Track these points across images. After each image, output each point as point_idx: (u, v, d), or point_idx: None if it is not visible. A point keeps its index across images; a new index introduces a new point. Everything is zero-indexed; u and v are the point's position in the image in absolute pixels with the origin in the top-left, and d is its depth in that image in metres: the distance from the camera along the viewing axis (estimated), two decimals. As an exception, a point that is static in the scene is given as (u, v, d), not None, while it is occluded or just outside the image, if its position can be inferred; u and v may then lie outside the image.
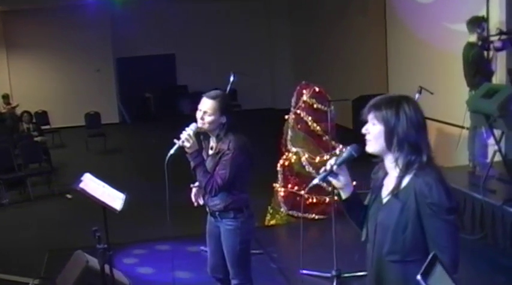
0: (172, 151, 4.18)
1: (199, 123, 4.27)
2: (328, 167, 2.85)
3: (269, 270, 6.21)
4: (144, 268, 6.39)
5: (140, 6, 15.62)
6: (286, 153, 7.92)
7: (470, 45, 7.74)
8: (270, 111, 16.51)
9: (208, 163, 4.31)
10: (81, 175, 4.85)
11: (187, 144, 4.17)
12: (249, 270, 4.60)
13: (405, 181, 2.75)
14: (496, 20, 8.08)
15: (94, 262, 5.41)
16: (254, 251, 6.53)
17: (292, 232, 7.61)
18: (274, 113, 13.65)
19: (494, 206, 6.52)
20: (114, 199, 4.66)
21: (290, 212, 7.75)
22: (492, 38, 7.77)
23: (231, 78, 6.63)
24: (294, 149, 7.73)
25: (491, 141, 7.35)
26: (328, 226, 7.68)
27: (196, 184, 4.50)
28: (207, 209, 4.55)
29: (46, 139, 13.30)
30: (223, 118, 4.24)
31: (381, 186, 2.90)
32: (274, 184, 7.97)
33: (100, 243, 3.88)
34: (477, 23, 7.70)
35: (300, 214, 7.67)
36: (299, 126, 7.83)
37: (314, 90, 7.73)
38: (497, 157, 7.06)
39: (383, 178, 2.90)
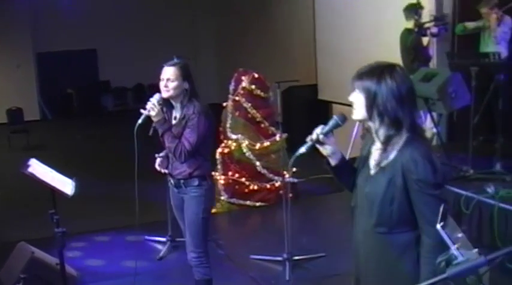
0: (140, 121, 4.30)
1: (164, 92, 4.34)
2: (314, 136, 2.82)
3: (217, 256, 6.10)
4: (90, 260, 6.17)
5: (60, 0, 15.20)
6: (226, 141, 7.83)
7: (407, 31, 7.89)
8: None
9: (175, 130, 4.35)
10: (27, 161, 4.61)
11: (153, 113, 4.27)
12: (207, 245, 4.58)
13: (392, 154, 2.73)
14: (427, 6, 8.24)
15: (39, 253, 5.19)
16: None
17: (235, 219, 7.58)
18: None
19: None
20: (64, 184, 4.44)
21: (231, 200, 7.67)
22: (428, 24, 7.92)
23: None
24: (233, 137, 7.66)
25: (428, 124, 7.49)
26: (271, 212, 7.75)
27: (161, 154, 4.57)
28: (170, 182, 4.58)
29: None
30: (186, 84, 4.35)
31: (368, 153, 2.89)
32: (213, 173, 7.85)
33: (58, 227, 3.69)
34: (414, 9, 7.86)
35: (241, 202, 7.65)
36: (238, 113, 7.75)
37: (253, 76, 7.68)
38: (435, 141, 7.23)
39: (370, 145, 2.89)
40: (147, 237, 6.61)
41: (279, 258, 5.74)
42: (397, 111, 2.65)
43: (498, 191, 5.91)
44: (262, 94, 7.70)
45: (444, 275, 1.85)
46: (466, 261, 1.88)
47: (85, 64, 17.09)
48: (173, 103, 4.42)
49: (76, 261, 5.98)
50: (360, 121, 2.84)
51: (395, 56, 8.08)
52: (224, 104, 7.94)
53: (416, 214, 2.70)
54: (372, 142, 2.86)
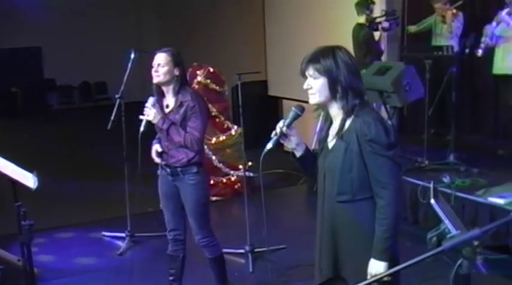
0: (142, 128, 4.45)
1: (154, 77, 4.43)
2: (278, 130, 2.94)
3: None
4: (46, 256, 6.05)
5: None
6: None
7: (359, 26, 8.00)
8: (141, 104, 16.10)
9: (173, 117, 4.42)
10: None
11: (150, 117, 4.39)
12: (210, 223, 4.74)
13: (347, 123, 2.85)
14: (378, 2, 8.37)
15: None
16: (159, 234, 6.43)
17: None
18: (144, 106, 13.43)
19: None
20: (26, 177, 4.34)
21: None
22: (379, 19, 8.05)
23: (132, 55, 6.36)
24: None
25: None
26: (227, 206, 7.76)
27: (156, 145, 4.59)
28: (165, 171, 4.60)
29: None
30: (177, 70, 4.42)
31: (326, 136, 3.00)
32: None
33: (25, 219, 3.60)
34: (365, 4, 7.98)
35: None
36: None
37: (208, 70, 7.68)
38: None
39: (328, 128, 3.00)
40: (105, 233, 6.52)
41: (241, 251, 5.76)
42: (357, 82, 2.85)
43: (454, 181, 6.07)
44: (217, 88, 7.70)
45: (440, 248, 1.88)
46: (460, 234, 1.92)
47: (29, 62, 16.68)
48: (164, 90, 4.50)
49: (35, 258, 5.85)
50: (318, 104, 2.94)
51: (351, 50, 8.18)
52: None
53: (370, 177, 2.81)
54: (330, 125, 2.98)
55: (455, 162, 6.73)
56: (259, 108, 10.99)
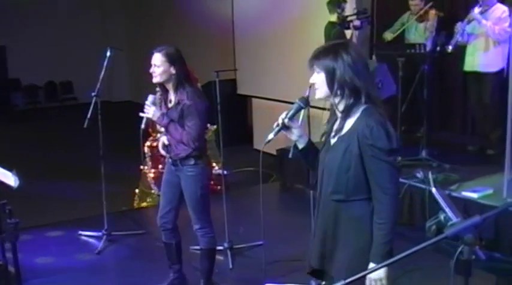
0: (142, 126, 4.76)
1: (153, 77, 4.58)
2: (280, 121, 2.97)
3: (156, 248, 6.05)
4: (26, 256, 5.88)
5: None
6: (154, 134, 7.76)
7: (331, 25, 8.07)
8: (106, 104, 15.94)
9: (171, 114, 4.60)
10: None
11: (149, 115, 4.61)
12: (209, 215, 4.91)
13: (350, 123, 2.87)
14: (349, 0, 8.45)
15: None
16: (137, 232, 6.45)
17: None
18: (110, 106, 13.33)
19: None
20: (7, 176, 4.30)
21: (163, 193, 7.63)
22: (350, 18, 8.13)
23: (108, 53, 6.33)
24: (163, 129, 7.57)
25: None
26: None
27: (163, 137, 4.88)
28: (169, 160, 4.83)
29: None
30: (173, 69, 4.55)
31: (330, 131, 3.01)
32: (141, 167, 7.80)
33: (11, 217, 3.57)
34: (337, 3, 8.06)
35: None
36: (167, 106, 7.71)
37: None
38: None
39: (333, 124, 3.00)
40: (81, 232, 6.47)
41: (220, 248, 5.76)
42: (355, 81, 2.82)
43: (427, 176, 6.17)
44: (191, 86, 7.68)
45: (443, 235, 1.93)
46: (461, 221, 1.97)
47: (-7, 62, 16.44)
48: (166, 87, 4.67)
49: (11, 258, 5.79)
50: (323, 99, 2.96)
51: None
52: (154, 97, 7.85)
53: (370, 180, 2.82)
54: (335, 120, 2.98)
55: (427, 158, 6.86)
56: (229, 106, 11.00)
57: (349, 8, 8.32)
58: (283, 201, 8.11)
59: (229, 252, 5.71)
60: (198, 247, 5.76)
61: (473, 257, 1.98)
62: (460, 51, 7.26)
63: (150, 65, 4.62)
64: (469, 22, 6.97)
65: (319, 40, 8.25)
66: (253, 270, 5.47)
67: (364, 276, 2.63)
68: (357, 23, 8.11)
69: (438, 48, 7.11)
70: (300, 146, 3.06)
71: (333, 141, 2.95)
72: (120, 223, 6.47)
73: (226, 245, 5.76)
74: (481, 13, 6.90)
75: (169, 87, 4.64)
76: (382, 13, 8.65)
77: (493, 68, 6.96)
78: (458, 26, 7.04)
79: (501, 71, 6.85)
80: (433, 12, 7.77)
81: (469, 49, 7.18)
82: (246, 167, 8.87)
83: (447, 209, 2.13)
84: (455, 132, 8.09)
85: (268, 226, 6.66)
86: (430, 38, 7.75)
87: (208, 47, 12.72)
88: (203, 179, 4.78)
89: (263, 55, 10.31)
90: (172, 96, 4.67)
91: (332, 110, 3.01)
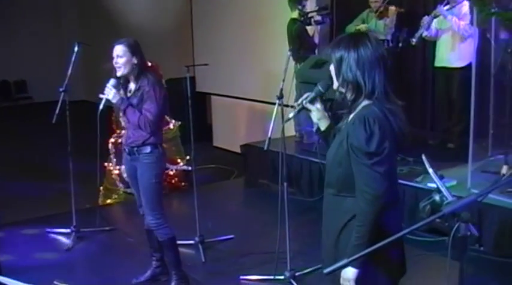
0: (101, 107, 4.73)
1: (117, 69, 4.67)
2: (300, 101, 3.03)
3: (127, 244, 6.09)
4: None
5: None
6: (118, 131, 7.74)
7: (293, 21, 8.17)
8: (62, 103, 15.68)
9: (132, 100, 4.68)
10: None
11: (110, 96, 4.63)
12: (163, 208, 4.90)
13: (349, 118, 2.83)
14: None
15: None
16: (106, 228, 6.43)
17: (134, 208, 7.44)
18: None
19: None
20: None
21: (128, 190, 7.59)
22: (311, 14, 8.25)
23: (75, 48, 6.29)
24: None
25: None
26: (167, 200, 7.71)
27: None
28: (125, 151, 4.88)
29: None
30: (134, 59, 4.66)
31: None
32: (105, 164, 7.76)
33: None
34: (298, 0, 8.17)
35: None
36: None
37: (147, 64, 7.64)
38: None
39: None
40: (49, 230, 6.40)
41: (192, 242, 5.80)
42: (358, 76, 2.75)
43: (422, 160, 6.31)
44: (156, 82, 7.68)
45: (441, 213, 2.01)
46: (457, 200, 2.06)
47: None
48: (128, 78, 4.75)
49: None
50: (337, 90, 2.90)
51: (281, 46, 8.40)
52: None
53: (355, 178, 2.75)
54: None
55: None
56: (188, 104, 10.98)
57: (310, 6, 8.44)
58: (249, 196, 8.17)
59: (200, 246, 5.73)
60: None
61: (469, 233, 2.06)
62: (421, 46, 7.41)
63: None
64: (435, 17, 7.10)
65: (278, 37, 8.43)
66: (226, 263, 5.53)
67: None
68: (318, 17, 8.23)
69: (400, 44, 7.25)
70: (322, 127, 3.06)
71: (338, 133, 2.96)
72: (87, 220, 6.41)
73: (197, 239, 5.78)
74: (449, 9, 7.04)
75: (131, 78, 4.72)
76: (342, 10, 8.78)
77: (460, 63, 7.08)
78: (425, 20, 7.16)
79: (468, 66, 6.88)
80: (392, 8, 7.92)
81: (438, 45, 7.31)
82: (206, 164, 8.95)
83: (443, 189, 2.21)
84: (416, 126, 8.25)
85: (236, 220, 6.80)
86: (389, 34, 7.91)
87: (166, 45, 12.67)
88: (158, 168, 4.81)
89: (222, 53, 10.34)
90: (132, 86, 4.75)
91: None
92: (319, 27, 8.50)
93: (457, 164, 6.52)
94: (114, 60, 4.66)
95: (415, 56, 7.68)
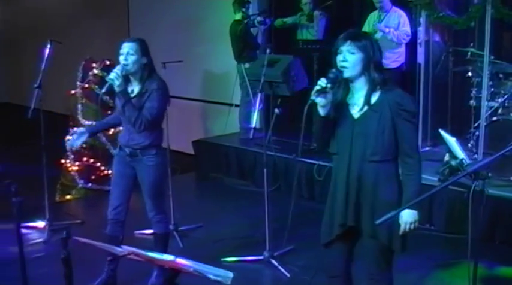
0: (103, 90, 4.61)
1: (126, 66, 4.56)
2: (322, 83, 3.27)
3: (101, 236, 6.25)
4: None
5: None
6: (76, 128, 7.91)
7: (236, 23, 8.66)
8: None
9: (136, 102, 4.59)
10: None
11: (116, 82, 4.47)
12: (165, 202, 5.12)
13: (375, 97, 3.37)
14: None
15: None
16: (74, 221, 6.58)
17: (96, 203, 7.56)
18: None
19: (287, 160, 7.49)
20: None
21: (88, 186, 7.82)
22: (254, 16, 8.74)
23: (48, 45, 6.46)
24: (86, 123, 7.74)
25: (258, 105, 8.60)
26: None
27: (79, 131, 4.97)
28: (121, 152, 4.87)
29: None
30: (144, 59, 4.63)
31: (345, 106, 3.45)
32: (62, 161, 7.88)
33: (16, 196, 3.71)
34: (242, 3, 8.66)
35: (98, 187, 7.80)
36: (89, 100, 7.92)
37: (105, 63, 7.88)
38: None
39: (344, 98, 3.46)
40: (22, 223, 6.47)
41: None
42: (382, 62, 3.45)
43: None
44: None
45: (466, 172, 2.50)
46: (476, 162, 2.57)
47: None
48: (131, 78, 4.67)
49: None
50: (350, 78, 3.36)
51: (220, 47, 9.05)
52: (72, 92, 8.00)
53: (400, 140, 3.36)
54: (346, 95, 3.46)
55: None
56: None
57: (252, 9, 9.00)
58: (202, 189, 8.52)
59: (176, 234, 6.06)
60: (146, 232, 6.07)
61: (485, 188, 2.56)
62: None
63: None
64: (374, 33, 7.56)
65: (219, 39, 8.92)
66: (202, 248, 5.84)
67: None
68: (260, 18, 8.71)
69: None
70: (323, 113, 3.35)
71: (357, 114, 3.40)
72: (59, 214, 6.58)
73: (171, 227, 6.05)
74: (381, 20, 7.65)
75: (136, 76, 4.65)
76: (280, 13, 9.24)
77: (395, 64, 7.65)
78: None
79: (400, 66, 7.65)
80: (317, 13, 8.55)
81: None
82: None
83: (464, 154, 2.72)
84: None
85: (200, 210, 7.17)
86: (316, 37, 8.54)
87: (103, 46, 12.57)
88: (162, 168, 4.97)
89: (160, 56, 10.45)
90: (135, 87, 4.69)
91: (342, 87, 3.41)
92: (262, 27, 8.98)
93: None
94: (123, 57, 4.56)
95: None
